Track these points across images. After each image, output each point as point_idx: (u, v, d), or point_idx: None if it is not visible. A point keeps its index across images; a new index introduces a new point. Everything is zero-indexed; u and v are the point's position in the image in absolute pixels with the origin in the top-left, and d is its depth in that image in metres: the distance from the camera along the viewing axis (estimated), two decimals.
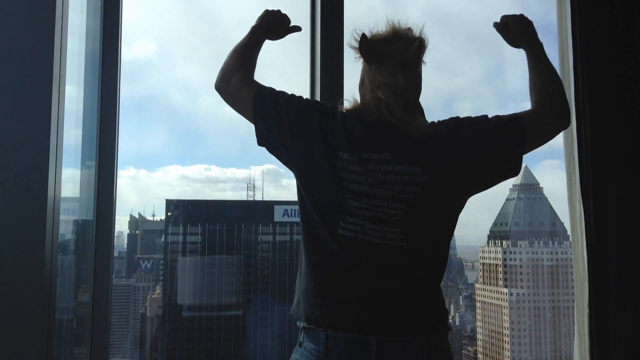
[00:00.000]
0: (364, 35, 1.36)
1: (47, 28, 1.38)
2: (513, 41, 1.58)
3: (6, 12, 1.38)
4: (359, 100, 1.40)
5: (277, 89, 1.39)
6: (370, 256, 1.27)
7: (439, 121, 1.36)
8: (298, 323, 1.34)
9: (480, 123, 1.35)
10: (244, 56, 1.47)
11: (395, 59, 1.34)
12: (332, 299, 1.28)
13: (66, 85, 1.46)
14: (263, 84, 1.42)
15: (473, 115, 1.40)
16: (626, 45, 2.22)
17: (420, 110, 1.38)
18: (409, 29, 1.38)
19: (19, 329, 1.31)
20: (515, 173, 1.37)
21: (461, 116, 1.40)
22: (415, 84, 1.38)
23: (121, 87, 1.89)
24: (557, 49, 2.28)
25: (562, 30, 2.29)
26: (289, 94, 1.38)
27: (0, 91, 1.36)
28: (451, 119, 1.36)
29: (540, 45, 1.52)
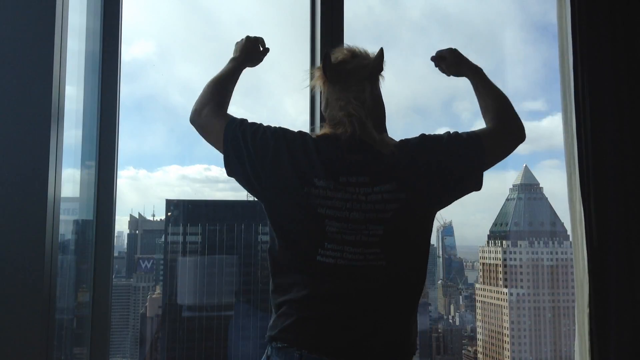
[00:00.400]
0: (327, 54, 1.40)
1: (47, 28, 1.38)
2: (455, 71, 1.63)
3: (6, 12, 1.38)
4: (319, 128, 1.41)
5: (250, 120, 1.39)
6: (349, 279, 1.27)
7: (405, 139, 1.39)
8: (267, 338, 1.33)
9: (443, 140, 1.38)
10: (218, 88, 1.48)
11: (359, 73, 1.39)
12: (310, 322, 1.27)
13: (66, 85, 1.46)
14: (234, 115, 1.42)
15: (436, 132, 1.44)
16: (626, 45, 2.22)
17: (385, 129, 1.42)
18: (365, 50, 1.43)
19: (19, 329, 1.31)
20: (477, 188, 1.40)
21: (428, 132, 1.43)
22: (379, 101, 1.42)
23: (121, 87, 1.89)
24: (557, 49, 2.28)
25: (562, 30, 2.29)
26: (259, 124, 1.38)
27: (0, 91, 1.36)
28: (417, 136, 1.39)
29: (479, 69, 1.59)
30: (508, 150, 1.46)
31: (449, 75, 1.65)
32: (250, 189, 1.38)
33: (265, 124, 1.38)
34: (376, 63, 1.41)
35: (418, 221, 1.34)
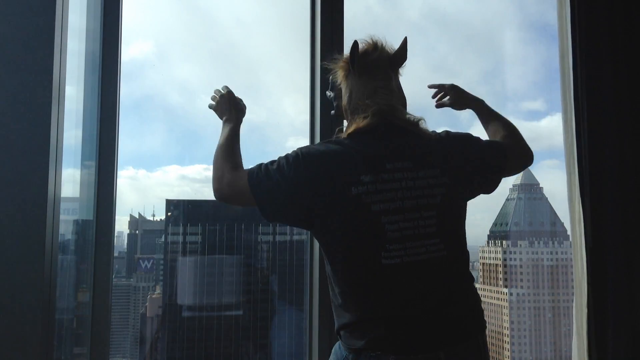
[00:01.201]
0: (355, 44, 1.39)
1: (47, 28, 1.38)
2: (460, 105, 1.71)
3: (6, 12, 1.38)
4: (346, 122, 1.43)
5: (265, 162, 1.36)
6: (418, 275, 1.28)
7: (444, 130, 1.45)
8: (346, 352, 1.31)
9: (470, 138, 1.45)
10: (226, 155, 1.46)
11: (384, 63, 1.41)
12: (394, 326, 1.27)
13: (66, 85, 1.46)
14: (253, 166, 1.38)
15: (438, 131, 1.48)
16: (626, 45, 2.22)
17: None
18: (384, 40, 1.45)
19: (19, 329, 1.31)
20: (491, 190, 1.49)
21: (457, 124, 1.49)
22: (402, 91, 1.46)
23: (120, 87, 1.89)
24: (555, 49, 2.29)
25: (562, 30, 2.29)
26: (277, 159, 1.35)
27: (0, 91, 1.36)
28: (443, 131, 1.44)
29: (481, 100, 1.68)
30: (518, 168, 1.57)
31: (457, 109, 1.72)
32: (299, 224, 1.37)
33: (282, 155, 1.36)
34: (402, 53, 1.44)
35: (460, 207, 1.39)
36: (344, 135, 1.37)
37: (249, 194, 1.33)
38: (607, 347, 2.12)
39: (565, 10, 2.28)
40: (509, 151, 1.50)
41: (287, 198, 1.30)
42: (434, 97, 1.75)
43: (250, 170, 1.36)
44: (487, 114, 1.66)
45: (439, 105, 1.74)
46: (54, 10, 1.39)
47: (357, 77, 1.40)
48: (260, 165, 1.36)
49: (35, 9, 1.39)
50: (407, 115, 1.39)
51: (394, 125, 1.35)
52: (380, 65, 1.40)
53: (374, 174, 1.28)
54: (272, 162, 1.35)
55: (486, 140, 1.51)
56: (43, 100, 1.37)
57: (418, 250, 1.28)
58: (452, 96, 1.71)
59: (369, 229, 1.27)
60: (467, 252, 1.41)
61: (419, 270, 1.28)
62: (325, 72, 2.07)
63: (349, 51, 1.41)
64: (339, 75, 1.45)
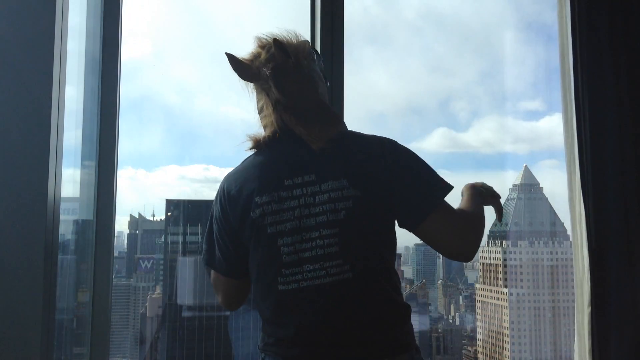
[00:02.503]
0: (228, 55, 1.29)
1: (47, 29, 1.38)
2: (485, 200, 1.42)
3: (6, 12, 1.38)
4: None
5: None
6: (316, 301, 1.17)
7: (365, 134, 1.27)
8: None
9: (410, 159, 1.24)
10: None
11: (262, 71, 1.27)
12: (288, 354, 1.20)
13: (66, 85, 1.46)
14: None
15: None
16: (626, 45, 2.22)
17: (328, 117, 1.28)
18: (274, 39, 1.26)
19: (19, 329, 1.31)
20: (408, 227, 1.23)
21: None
22: (304, 92, 1.27)
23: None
24: (553, 50, 2.29)
25: (562, 30, 2.29)
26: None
27: (0, 91, 1.36)
28: (383, 138, 1.26)
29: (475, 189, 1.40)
30: (440, 245, 1.23)
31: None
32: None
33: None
34: (279, 60, 1.26)
35: (376, 220, 1.20)
36: (250, 150, 1.31)
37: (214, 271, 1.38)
38: (609, 347, 2.12)
39: (565, 10, 2.28)
40: (439, 217, 1.20)
41: (225, 250, 1.32)
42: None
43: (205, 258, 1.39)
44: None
45: None
46: (54, 10, 1.39)
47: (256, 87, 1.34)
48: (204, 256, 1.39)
49: (35, 9, 1.39)
50: (300, 124, 1.22)
51: (293, 141, 1.22)
52: (261, 73, 1.28)
53: (268, 193, 1.19)
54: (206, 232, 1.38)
55: (430, 176, 1.24)
56: (43, 100, 1.37)
57: (317, 274, 1.16)
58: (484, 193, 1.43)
59: (267, 253, 1.20)
60: (389, 271, 1.22)
61: (318, 295, 1.16)
62: (325, 71, 2.07)
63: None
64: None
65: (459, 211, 1.30)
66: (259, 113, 1.32)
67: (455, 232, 1.22)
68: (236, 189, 1.25)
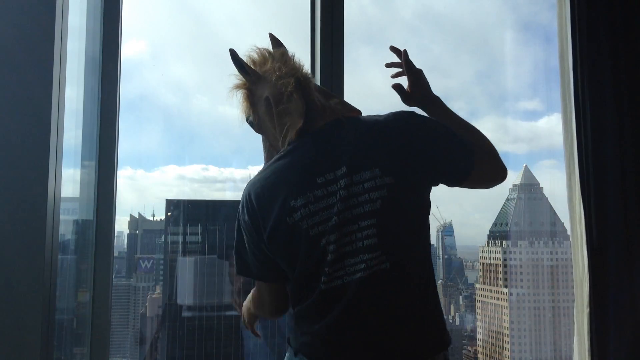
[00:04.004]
0: (233, 52, 1.31)
1: (47, 29, 1.38)
2: (416, 98, 1.45)
3: (6, 12, 1.38)
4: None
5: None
6: (359, 296, 1.16)
7: (381, 115, 1.26)
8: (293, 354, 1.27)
9: (439, 128, 1.27)
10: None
11: (281, 78, 1.27)
12: (337, 355, 1.19)
13: (66, 85, 1.46)
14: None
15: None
16: (626, 45, 2.22)
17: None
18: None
19: (19, 329, 1.31)
20: (460, 181, 1.28)
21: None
22: (318, 97, 1.29)
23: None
24: (549, 50, 2.29)
25: (562, 30, 2.29)
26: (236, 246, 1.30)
27: (0, 91, 1.36)
28: (399, 114, 1.26)
29: (439, 99, 1.43)
30: (487, 185, 1.34)
31: (408, 102, 1.46)
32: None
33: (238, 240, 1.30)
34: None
35: (411, 207, 1.21)
36: (273, 160, 1.27)
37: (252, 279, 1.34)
38: (608, 347, 2.12)
39: (565, 10, 2.28)
40: (478, 165, 1.26)
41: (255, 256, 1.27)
42: (394, 76, 1.52)
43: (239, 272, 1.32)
44: (447, 117, 1.38)
45: (396, 86, 1.47)
46: (54, 10, 1.39)
47: (255, 89, 1.33)
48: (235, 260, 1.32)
49: (35, 9, 1.39)
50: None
51: (321, 133, 1.23)
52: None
53: (304, 195, 1.17)
54: (235, 244, 1.31)
55: (451, 132, 1.27)
56: (43, 100, 1.37)
57: (358, 267, 1.16)
58: (414, 84, 1.45)
59: (309, 254, 1.17)
60: (424, 259, 1.24)
61: (358, 289, 1.16)
62: (325, 71, 2.07)
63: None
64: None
65: (475, 142, 1.31)
66: (260, 116, 1.32)
67: (492, 159, 1.31)
68: (266, 196, 1.20)
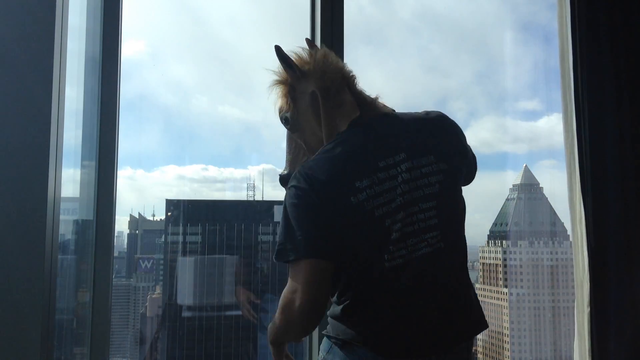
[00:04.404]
0: (278, 47, 1.36)
1: (47, 29, 1.38)
2: None
3: (6, 12, 1.38)
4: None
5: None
6: (421, 273, 1.24)
7: (416, 112, 1.38)
8: (329, 344, 1.26)
9: (453, 126, 1.39)
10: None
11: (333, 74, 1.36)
12: (395, 330, 1.22)
13: (66, 85, 1.46)
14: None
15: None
16: (626, 45, 2.22)
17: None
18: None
19: (19, 329, 1.31)
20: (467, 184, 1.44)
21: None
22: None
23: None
24: (551, 49, 2.29)
25: (562, 30, 2.29)
26: (286, 220, 1.23)
27: (0, 92, 1.36)
28: (434, 113, 1.38)
29: None
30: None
31: None
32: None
33: (282, 213, 1.24)
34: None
35: (458, 193, 1.34)
36: (333, 142, 1.30)
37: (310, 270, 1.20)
38: (608, 347, 2.12)
39: (565, 10, 2.28)
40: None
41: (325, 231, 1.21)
42: None
43: (286, 258, 1.22)
44: None
45: None
46: (54, 10, 1.39)
47: (306, 87, 1.37)
48: (280, 247, 1.23)
49: (35, 9, 1.39)
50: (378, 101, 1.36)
51: (377, 122, 1.31)
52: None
53: (368, 177, 1.22)
54: (287, 228, 1.22)
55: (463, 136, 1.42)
56: (43, 100, 1.37)
57: (419, 246, 1.24)
58: None
59: (373, 234, 1.22)
60: (465, 242, 1.35)
61: (421, 266, 1.23)
62: None
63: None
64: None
65: None
66: (301, 110, 1.37)
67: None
68: (327, 178, 1.22)
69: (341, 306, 1.26)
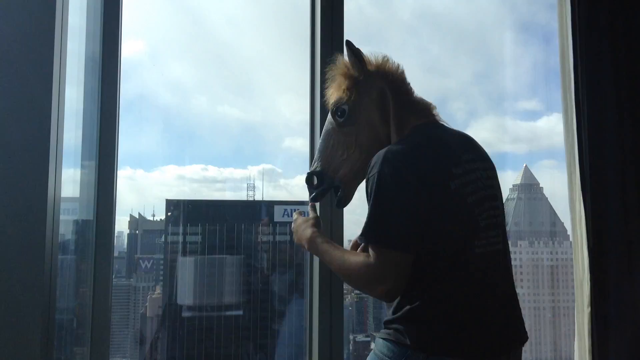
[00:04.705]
0: (350, 43, 1.41)
1: (47, 29, 1.38)
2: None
3: (6, 13, 1.38)
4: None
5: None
6: (494, 267, 1.26)
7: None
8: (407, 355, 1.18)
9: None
10: (340, 261, 1.29)
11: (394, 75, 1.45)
12: (476, 325, 1.20)
13: (66, 85, 1.46)
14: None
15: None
16: (626, 45, 2.22)
17: None
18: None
19: (19, 329, 1.31)
20: None
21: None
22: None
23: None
24: (551, 50, 2.29)
25: (562, 30, 2.29)
26: (381, 198, 1.20)
27: (0, 91, 1.36)
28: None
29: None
30: None
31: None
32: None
33: (375, 190, 1.20)
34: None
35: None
36: (411, 125, 1.35)
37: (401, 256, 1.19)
38: (608, 347, 2.12)
39: (565, 10, 2.28)
40: None
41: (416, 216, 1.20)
42: None
43: (377, 238, 1.19)
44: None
45: None
46: (54, 10, 1.39)
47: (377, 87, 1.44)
48: (371, 225, 1.20)
49: (35, 9, 1.39)
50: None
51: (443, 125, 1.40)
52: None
53: (461, 166, 1.26)
54: (377, 204, 1.20)
55: None
56: (43, 100, 1.37)
57: (492, 240, 1.27)
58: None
59: (465, 220, 1.23)
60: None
61: (494, 260, 1.27)
62: (325, 71, 2.07)
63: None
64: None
65: None
66: (365, 105, 1.39)
67: None
68: (426, 162, 1.23)
69: (416, 305, 1.19)
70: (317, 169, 1.43)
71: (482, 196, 1.27)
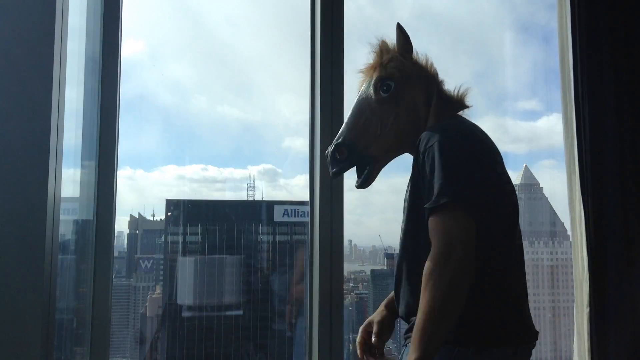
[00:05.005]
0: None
1: (47, 29, 1.39)
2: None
3: (6, 13, 1.38)
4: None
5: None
6: (522, 259, 1.31)
7: None
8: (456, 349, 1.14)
9: None
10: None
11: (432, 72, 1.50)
12: (516, 312, 1.27)
13: (66, 86, 1.46)
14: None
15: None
16: (626, 46, 2.22)
17: None
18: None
19: (19, 328, 1.31)
20: None
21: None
22: None
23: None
24: (550, 50, 2.29)
25: (562, 30, 2.29)
26: (457, 174, 1.16)
27: (0, 92, 1.36)
28: None
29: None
30: None
31: None
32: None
33: (446, 168, 1.16)
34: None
35: None
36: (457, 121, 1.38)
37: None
38: (608, 347, 2.12)
39: (565, 10, 2.27)
40: None
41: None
42: None
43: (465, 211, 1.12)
44: None
45: None
46: (54, 10, 1.39)
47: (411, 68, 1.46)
48: (451, 184, 1.14)
49: (35, 9, 1.39)
50: None
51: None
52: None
53: (497, 154, 1.30)
54: (451, 181, 1.14)
55: None
56: (43, 100, 1.37)
57: (520, 233, 1.33)
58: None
59: (510, 210, 1.28)
60: None
61: (522, 252, 1.32)
62: (325, 71, 2.07)
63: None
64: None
65: None
66: (410, 88, 1.40)
67: None
68: (483, 144, 1.28)
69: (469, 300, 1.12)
70: (348, 142, 1.35)
71: (511, 189, 1.30)
